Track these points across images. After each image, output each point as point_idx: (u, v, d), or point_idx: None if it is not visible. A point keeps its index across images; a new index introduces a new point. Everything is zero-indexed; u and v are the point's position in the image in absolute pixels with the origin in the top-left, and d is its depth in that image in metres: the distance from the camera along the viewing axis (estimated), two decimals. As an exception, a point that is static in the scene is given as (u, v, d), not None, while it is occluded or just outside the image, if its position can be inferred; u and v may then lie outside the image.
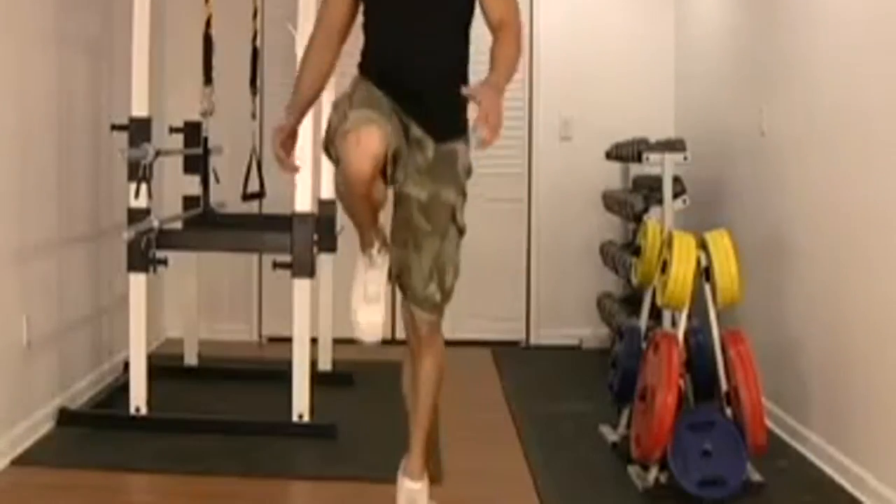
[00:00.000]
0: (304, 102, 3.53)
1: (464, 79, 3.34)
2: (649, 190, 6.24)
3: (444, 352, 3.56)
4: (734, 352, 4.49)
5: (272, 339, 7.31)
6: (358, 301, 3.33)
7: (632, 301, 6.38)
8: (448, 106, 3.34)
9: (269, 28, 6.45)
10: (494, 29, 3.29)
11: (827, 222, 4.83)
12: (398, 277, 3.42)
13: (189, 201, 6.18)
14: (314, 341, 5.53)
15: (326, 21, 3.44)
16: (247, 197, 6.21)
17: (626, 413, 4.98)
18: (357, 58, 3.57)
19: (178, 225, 5.92)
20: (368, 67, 3.39)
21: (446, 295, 3.42)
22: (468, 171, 3.43)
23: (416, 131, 3.31)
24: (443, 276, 3.40)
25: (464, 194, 3.43)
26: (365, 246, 3.36)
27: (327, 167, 6.32)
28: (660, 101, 7.38)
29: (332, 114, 3.35)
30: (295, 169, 3.60)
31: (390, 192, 3.39)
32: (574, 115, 7.44)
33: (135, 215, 5.11)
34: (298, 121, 3.53)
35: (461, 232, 3.44)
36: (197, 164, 6.18)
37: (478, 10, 3.43)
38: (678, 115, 7.34)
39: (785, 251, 5.26)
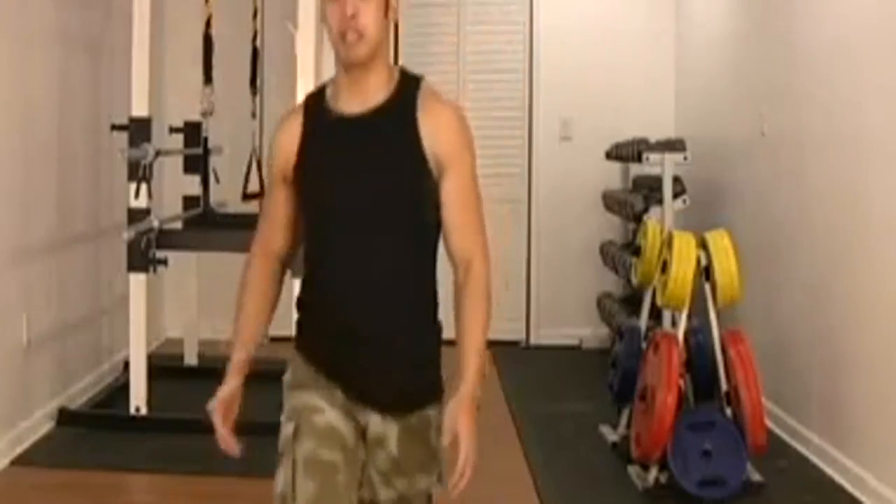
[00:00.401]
0: (245, 337, 2.95)
1: (433, 320, 2.59)
2: (649, 190, 6.24)
3: None
4: (734, 352, 4.49)
5: (272, 340, 7.29)
6: None
7: (632, 301, 6.38)
8: (416, 363, 2.57)
9: (269, 28, 6.45)
10: (456, 266, 2.49)
11: (827, 222, 4.83)
12: None
13: (189, 201, 6.18)
14: (314, 341, 5.52)
15: (261, 245, 2.92)
16: (247, 197, 6.21)
17: (626, 413, 4.98)
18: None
19: (178, 225, 5.92)
20: (308, 329, 2.79)
21: None
22: (440, 429, 2.51)
23: (375, 426, 2.57)
24: None
25: (441, 464, 2.64)
26: None
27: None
28: (660, 101, 7.38)
29: (280, 437, 2.77)
30: (233, 448, 2.84)
31: None
32: (574, 115, 7.43)
33: (135, 215, 5.11)
34: (239, 381, 2.88)
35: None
36: (197, 164, 6.18)
37: None
38: (678, 115, 7.34)
39: (785, 251, 5.26)
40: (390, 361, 2.54)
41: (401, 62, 7.52)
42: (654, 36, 7.44)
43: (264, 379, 6.42)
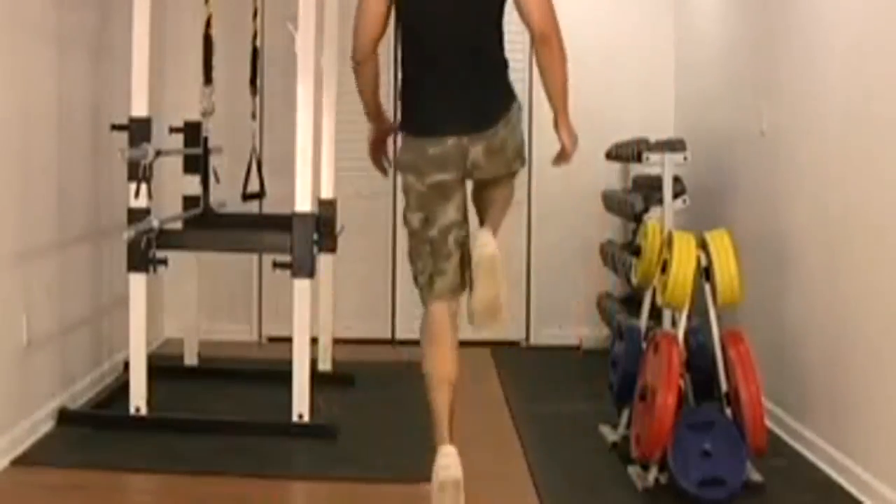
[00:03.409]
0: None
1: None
2: (649, 190, 6.24)
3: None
4: (734, 352, 4.49)
5: (272, 339, 7.31)
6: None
7: (632, 301, 6.38)
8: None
9: (269, 28, 6.45)
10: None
11: (827, 222, 4.83)
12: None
13: (189, 201, 6.18)
14: (314, 341, 5.53)
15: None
16: (247, 197, 6.21)
17: (626, 413, 4.98)
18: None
19: (178, 225, 5.92)
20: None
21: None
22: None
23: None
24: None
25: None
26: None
27: (327, 167, 6.34)
28: (660, 101, 7.38)
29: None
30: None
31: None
32: (574, 114, 7.39)
33: (135, 215, 5.11)
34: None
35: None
36: (197, 164, 6.18)
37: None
38: (678, 115, 7.34)
39: (785, 251, 5.26)
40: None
41: (400, 62, 7.52)
42: (654, 36, 7.45)
43: (265, 379, 6.47)
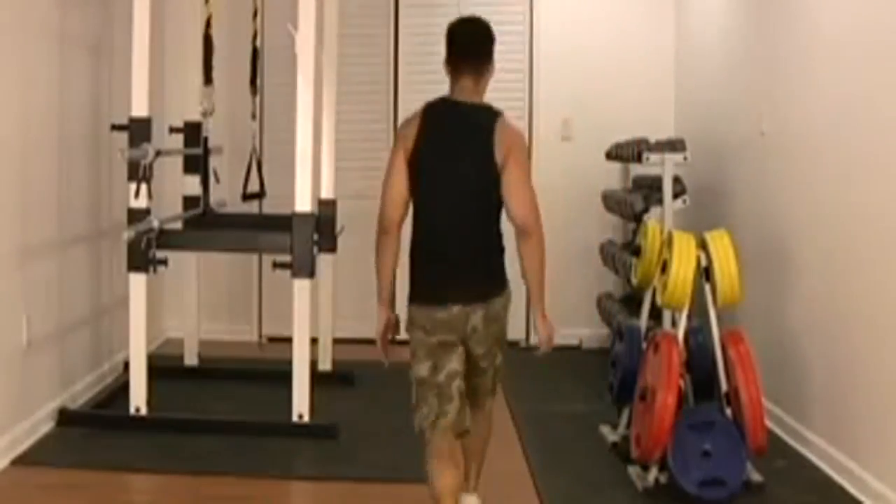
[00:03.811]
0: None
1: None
2: (649, 190, 6.24)
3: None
4: (734, 352, 4.49)
5: (272, 339, 7.31)
6: None
7: (632, 301, 6.38)
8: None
9: (269, 28, 6.45)
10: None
11: (827, 222, 4.83)
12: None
13: (189, 201, 6.18)
14: (314, 341, 5.53)
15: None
16: (247, 197, 6.21)
17: (626, 413, 4.98)
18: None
19: (178, 225, 5.92)
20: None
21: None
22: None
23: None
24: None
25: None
26: None
27: (327, 167, 6.34)
28: (660, 101, 7.38)
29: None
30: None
31: None
32: (574, 115, 7.44)
33: (135, 215, 5.11)
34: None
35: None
36: (197, 164, 6.18)
37: None
38: (678, 115, 7.34)
39: (785, 251, 5.26)
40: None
41: (400, 62, 7.55)
42: (654, 36, 7.45)
43: (265, 379, 6.46)
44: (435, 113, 3.88)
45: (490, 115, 3.84)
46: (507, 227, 3.92)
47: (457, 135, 3.84)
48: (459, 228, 3.87)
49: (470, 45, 4.00)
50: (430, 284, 3.92)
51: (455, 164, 3.82)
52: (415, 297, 3.95)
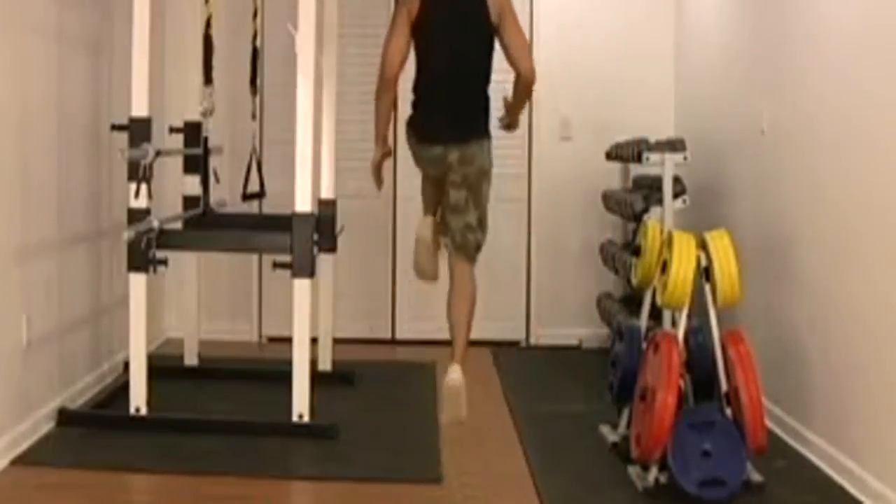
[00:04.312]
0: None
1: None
2: (649, 190, 6.24)
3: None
4: (734, 352, 4.49)
5: (272, 339, 7.31)
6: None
7: (632, 301, 6.38)
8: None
9: (269, 28, 6.45)
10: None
11: (828, 222, 4.83)
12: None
13: (189, 201, 6.18)
14: (314, 341, 5.53)
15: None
16: (247, 197, 6.21)
17: (626, 413, 4.98)
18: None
19: (178, 225, 5.92)
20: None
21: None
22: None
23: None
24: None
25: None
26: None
27: (327, 167, 6.34)
28: (660, 101, 7.38)
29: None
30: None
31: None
32: (574, 115, 7.44)
33: (135, 215, 5.11)
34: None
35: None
36: (197, 164, 6.18)
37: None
38: (678, 115, 7.34)
39: (785, 251, 5.26)
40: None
41: (412, 86, 7.51)
42: (654, 36, 7.45)
43: (265, 379, 6.46)
44: None
45: None
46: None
47: (455, 3, 4.64)
48: (454, 83, 4.64)
49: None
50: (422, 123, 4.76)
51: (454, 28, 4.59)
52: (410, 129, 4.85)
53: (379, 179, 4.98)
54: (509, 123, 4.99)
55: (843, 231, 4.67)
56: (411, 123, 4.81)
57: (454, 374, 4.73)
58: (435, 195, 4.88)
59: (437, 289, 5.27)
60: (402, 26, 4.66)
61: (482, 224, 4.84)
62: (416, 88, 4.74)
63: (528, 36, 7.45)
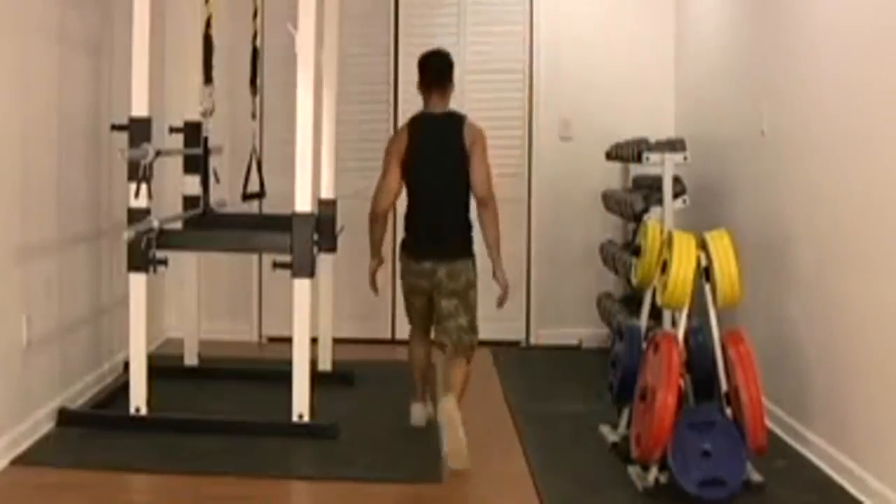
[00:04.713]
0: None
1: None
2: (649, 190, 6.24)
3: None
4: (734, 352, 4.49)
5: (272, 339, 7.31)
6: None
7: (632, 301, 6.38)
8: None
9: (269, 28, 6.45)
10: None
11: (827, 222, 4.83)
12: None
13: (189, 201, 6.18)
14: (314, 341, 5.53)
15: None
16: (247, 197, 6.21)
17: (626, 413, 4.98)
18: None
19: (178, 225, 5.92)
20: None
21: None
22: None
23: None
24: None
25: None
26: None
27: (327, 167, 6.34)
28: (660, 101, 7.38)
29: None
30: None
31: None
32: (574, 115, 7.44)
33: (135, 215, 5.11)
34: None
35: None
36: (197, 164, 6.18)
37: None
38: (678, 115, 7.34)
39: (785, 251, 5.27)
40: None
41: (400, 62, 7.55)
42: (654, 36, 7.45)
43: (265, 379, 6.45)
44: (418, 125, 5.28)
45: (458, 119, 5.29)
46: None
47: (436, 137, 5.24)
48: (439, 207, 5.21)
49: (437, 71, 5.29)
50: (413, 243, 5.26)
51: (437, 157, 5.20)
52: (404, 250, 5.32)
53: (374, 286, 5.47)
54: (501, 297, 5.25)
55: (842, 231, 4.67)
56: (404, 246, 5.32)
57: (450, 403, 4.86)
58: (425, 311, 5.29)
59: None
60: (393, 168, 5.22)
61: (473, 327, 5.23)
62: (408, 215, 5.31)
63: (528, 36, 7.58)
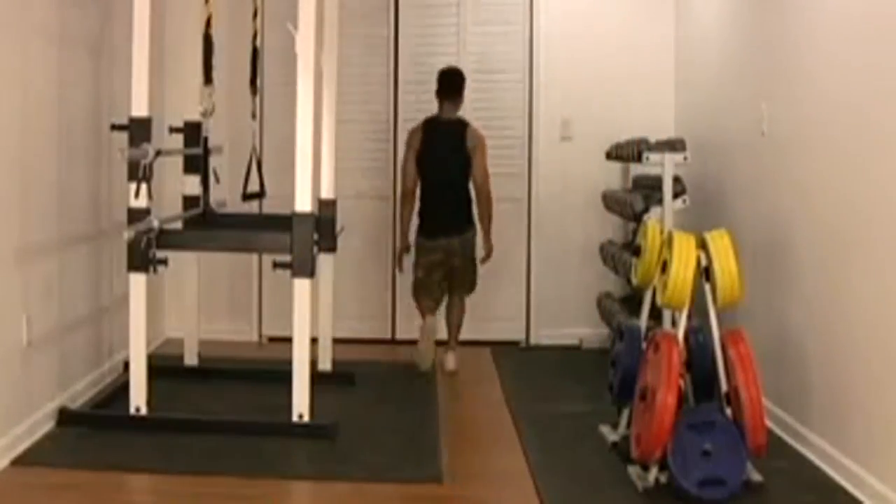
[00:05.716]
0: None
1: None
2: (649, 190, 6.24)
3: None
4: (734, 352, 4.49)
5: (272, 339, 7.31)
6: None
7: (632, 301, 6.38)
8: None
9: (269, 28, 6.45)
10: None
11: (827, 222, 4.83)
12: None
13: (189, 201, 6.18)
14: (314, 341, 5.53)
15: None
16: (247, 197, 6.21)
17: (626, 413, 4.98)
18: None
19: (178, 225, 5.92)
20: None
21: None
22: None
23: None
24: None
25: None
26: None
27: (327, 167, 6.35)
28: (660, 100, 7.37)
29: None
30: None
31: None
32: (574, 115, 7.44)
33: (135, 215, 5.11)
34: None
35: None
36: (197, 164, 6.18)
37: None
38: (678, 115, 7.34)
39: (785, 251, 5.27)
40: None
41: (400, 62, 7.55)
42: (654, 36, 7.44)
43: (265, 379, 6.46)
44: (431, 126, 6.65)
45: (463, 125, 6.65)
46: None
47: (445, 138, 6.60)
48: (446, 193, 6.58)
49: (451, 84, 6.68)
50: (429, 225, 6.60)
51: (444, 154, 6.57)
52: (420, 232, 6.63)
53: (401, 265, 6.79)
54: (484, 258, 6.73)
55: (843, 231, 4.67)
56: (419, 230, 6.63)
57: (450, 361, 6.63)
58: (440, 285, 6.61)
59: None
60: (411, 159, 6.63)
61: (475, 275, 6.75)
62: (421, 197, 6.64)
63: (528, 35, 7.57)
